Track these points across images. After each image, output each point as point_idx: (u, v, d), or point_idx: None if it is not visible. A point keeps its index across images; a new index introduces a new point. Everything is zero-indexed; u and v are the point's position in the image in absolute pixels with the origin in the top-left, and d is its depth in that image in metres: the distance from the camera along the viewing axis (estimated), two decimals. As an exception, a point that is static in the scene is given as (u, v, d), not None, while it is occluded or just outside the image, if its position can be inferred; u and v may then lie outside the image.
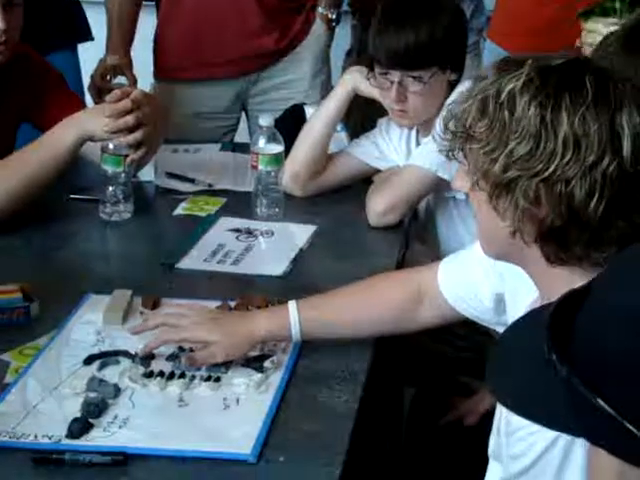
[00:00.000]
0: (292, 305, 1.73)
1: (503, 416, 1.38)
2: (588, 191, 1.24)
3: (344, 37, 3.56)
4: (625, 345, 0.72)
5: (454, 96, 2.10)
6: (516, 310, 1.47)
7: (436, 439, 2.12)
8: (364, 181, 2.43)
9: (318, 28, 3.02)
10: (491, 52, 3.17)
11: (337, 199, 2.41)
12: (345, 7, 3.61)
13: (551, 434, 1.23)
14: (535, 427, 1.22)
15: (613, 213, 1.26)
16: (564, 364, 0.74)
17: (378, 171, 2.41)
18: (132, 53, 3.01)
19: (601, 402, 0.71)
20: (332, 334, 1.77)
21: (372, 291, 1.77)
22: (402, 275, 1.80)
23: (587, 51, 2.18)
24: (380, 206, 2.26)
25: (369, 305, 1.75)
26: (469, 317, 1.70)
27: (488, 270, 1.60)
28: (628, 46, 1.86)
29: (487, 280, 1.62)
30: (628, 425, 0.70)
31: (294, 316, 1.71)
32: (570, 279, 1.26)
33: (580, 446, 1.21)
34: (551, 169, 1.24)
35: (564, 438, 1.22)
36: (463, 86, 2.08)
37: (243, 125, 3.12)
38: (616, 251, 1.28)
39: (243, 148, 2.65)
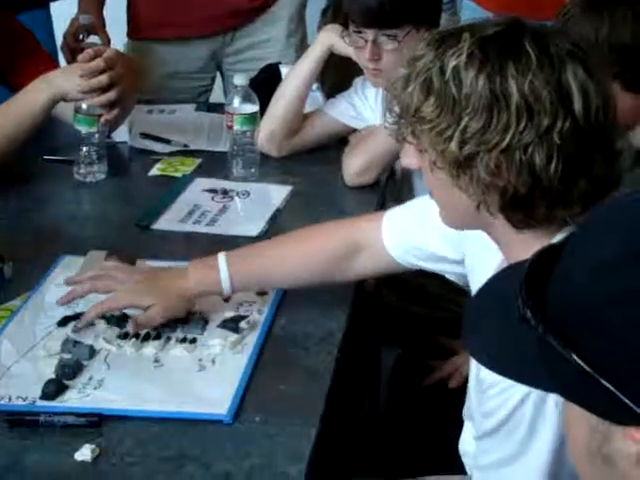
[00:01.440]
0: (222, 259, 1.70)
1: (473, 375, 1.38)
2: (547, 154, 1.24)
3: (320, -4, 3.52)
4: (599, 299, 0.72)
5: None
6: (479, 274, 1.46)
7: (418, 401, 2.12)
8: (340, 141, 2.42)
9: None
10: (472, 11, 3.14)
11: (313, 159, 2.39)
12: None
13: (523, 390, 1.24)
14: (507, 384, 1.24)
15: (573, 172, 1.26)
16: (539, 320, 0.73)
17: (354, 130, 2.40)
18: (105, 12, 2.97)
19: (576, 358, 0.71)
20: (263, 285, 1.76)
21: (305, 241, 1.74)
22: (337, 225, 1.76)
23: None
24: (356, 166, 2.26)
25: (301, 255, 1.72)
26: (411, 268, 1.69)
27: (436, 232, 1.59)
28: (589, 4, 1.87)
29: (435, 240, 1.61)
30: (602, 381, 0.70)
31: (224, 270, 1.68)
32: (536, 242, 1.26)
33: (552, 400, 1.23)
34: (508, 139, 1.24)
35: (536, 393, 1.23)
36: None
37: (218, 85, 3.10)
38: (580, 209, 1.28)
39: (218, 108, 2.63)
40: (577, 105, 1.25)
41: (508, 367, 0.79)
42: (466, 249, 1.55)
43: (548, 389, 0.78)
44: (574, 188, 1.27)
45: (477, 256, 1.50)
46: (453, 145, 1.26)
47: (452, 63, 1.26)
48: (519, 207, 1.29)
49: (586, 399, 0.73)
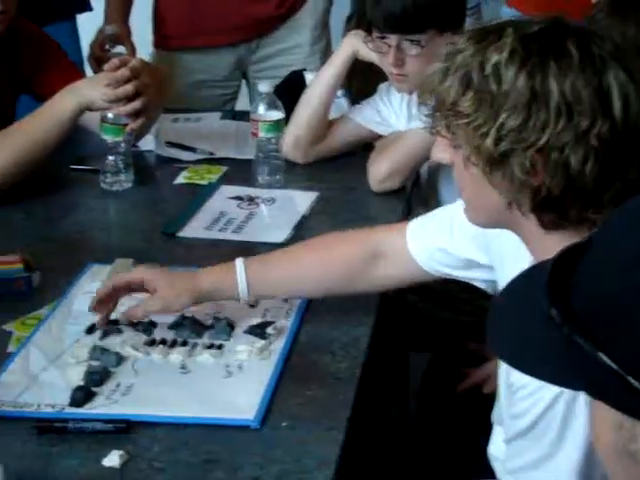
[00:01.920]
0: (239, 262, 1.69)
1: (503, 378, 1.38)
2: (583, 156, 1.23)
3: (344, 3, 3.53)
4: (626, 298, 0.71)
5: None
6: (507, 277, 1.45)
7: (450, 407, 2.11)
8: (365, 147, 2.42)
9: None
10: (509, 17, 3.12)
11: (338, 165, 2.40)
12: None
13: (554, 391, 1.23)
14: (537, 385, 1.23)
15: (608, 175, 1.25)
16: (564, 319, 0.73)
17: (379, 136, 2.39)
18: (131, 23, 2.99)
19: (603, 356, 0.70)
20: (280, 292, 1.75)
21: (323, 250, 1.73)
22: (356, 234, 1.75)
23: None
24: (382, 171, 2.25)
25: (319, 265, 1.72)
26: (439, 277, 1.68)
27: (464, 238, 1.58)
28: (614, 8, 1.86)
29: (465, 245, 1.60)
30: (630, 379, 0.69)
31: (241, 274, 1.68)
32: (565, 243, 1.25)
33: (583, 401, 1.22)
34: (545, 138, 1.23)
35: (567, 393, 1.22)
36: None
37: (244, 93, 3.10)
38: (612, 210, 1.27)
39: (244, 116, 2.64)
40: (617, 108, 1.24)
41: (533, 365, 0.78)
42: (493, 254, 1.55)
43: (574, 387, 0.77)
44: (607, 191, 1.26)
45: (506, 260, 1.49)
46: (489, 141, 1.25)
47: (493, 59, 1.25)
48: (551, 207, 1.28)
49: (612, 397, 0.72)
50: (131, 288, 1.71)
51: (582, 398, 1.21)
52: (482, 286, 1.66)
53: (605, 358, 0.70)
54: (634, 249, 0.73)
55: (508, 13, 3.20)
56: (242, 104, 3.10)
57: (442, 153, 1.37)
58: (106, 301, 1.71)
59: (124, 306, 1.75)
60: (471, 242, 1.57)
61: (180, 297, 1.67)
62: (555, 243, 1.28)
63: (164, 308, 1.68)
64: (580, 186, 1.25)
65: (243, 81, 3.07)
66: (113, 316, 1.73)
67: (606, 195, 1.26)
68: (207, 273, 1.71)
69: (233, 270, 1.69)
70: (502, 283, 1.52)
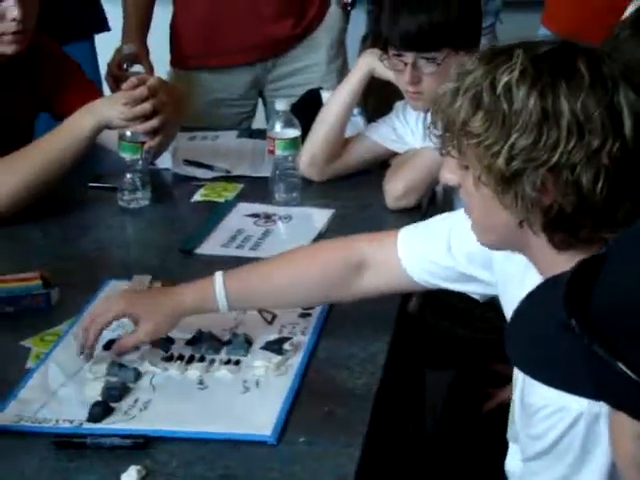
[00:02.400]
0: (218, 276, 1.69)
1: (518, 399, 1.37)
2: (594, 175, 1.24)
3: (360, 22, 3.55)
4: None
5: None
6: (511, 294, 1.46)
7: (473, 426, 2.10)
8: (381, 164, 2.42)
9: (334, 13, 3.02)
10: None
11: (354, 183, 2.40)
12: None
13: (575, 412, 1.23)
14: (557, 406, 1.23)
15: (620, 194, 1.26)
16: (584, 330, 0.73)
17: (395, 154, 2.40)
18: (148, 42, 3.02)
19: (623, 366, 0.70)
20: (262, 303, 1.76)
21: (306, 259, 1.73)
22: (338, 243, 1.75)
23: None
24: (398, 189, 2.26)
25: (298, 276, 1.71)
26: (430, 288, 1.68)
27: (461, 253, 1.58)
28: (637, 27, 1.85)
29: (462, 260, 1.59)
30: None
31: (219, 287, 1.68)
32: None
33: (604, 422, 1.21)
34: (556, 157, 1.24)
35: (586, 415, 1.22)
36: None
37: (260, 111, 3.12)
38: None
39: (260, 134, 2.65)
40: (628, 127, 1.24)
41: (552, 376, 0.78)
42: (497, 273, 1.54)
43: (593, 397, 0.77)
44: (619, 210, 1.27)
45: (509, 277, 1.49)
46: (500, 161, 1.26)
47: (504, 79, 1.26)
48: (562, 227, 1.28)
49: (632, 407, 0.72)
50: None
51: (603, 419, 1.21)
52: (477, 298, 1.66)
53: (624, 368, 0.70)
54: None
55: (544, 35, 3.22)
56: (259, 122, 3.12)
57: (450, 174, 1.38)
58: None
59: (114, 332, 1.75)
60: (471, 258, 1.57)
61: (166, 322, 1.68)
62: (566, 262, 1.28)
63: (153, 334, 1.69)
64: (591, 205, 1.26)
65: (260, 99, 3.09)
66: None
67: (618, 214, 1.27)
68: (187, 289, 1.71)
69: (212, 284, 1.69)
70: (507, 302, 1.52)
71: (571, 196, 1.25)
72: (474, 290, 1.64)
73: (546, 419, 1.27)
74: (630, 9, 2.30)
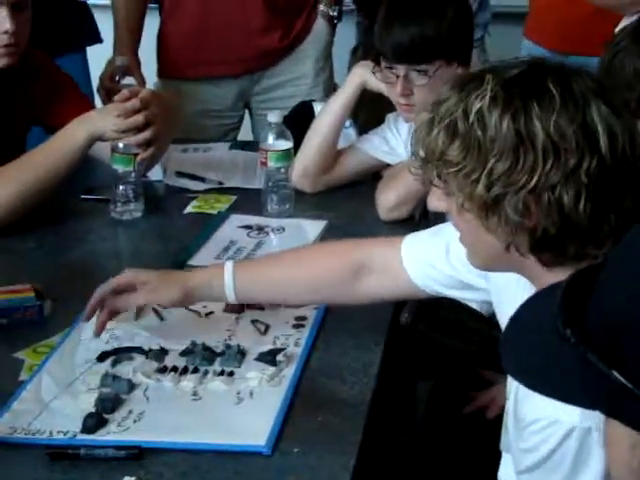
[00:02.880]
0: (229, 265, 1.74)
1: (511, 411, 1.38)
2: (575, 193, 1.24)
3: (346, 35, 3.56)
4: (636, 315, 0.72)
5: None
6: (507, 305, 1.46)
7: (454, 432, 2.11)
8: (373, 176, 2.43)
9: (320, 26, 3.03)
10: (529, 51, 3.15)
11: (347, 194, 2.41)
12: (349, 4, 3.62)
13: (566, 426, 1.23)
14: (549, 420, 1.23)
15: (603, 209, 1.26)
16: (579, 339, 0.74)
17: (387, 166, 2.41)
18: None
19: (618, 375, 0.71)
20: (267, 298, 1.80)
21: (310, 259, 1.77)
22: (344, 246, 1.79)
23: None
24: (390, 201, 2.27)
25: (305, 273, 1.75)
26: (432, 295, 1.69)
27: (463, 262, 1.59)
28: (637, 36, 1.86)
29: (461, 268, 1.60)
30: None
31: (229, 275, 1.72)
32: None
33: (596, 436, 1.21)
34: (535, 180, 1.24)
35: (580, 428, 1.22)
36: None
37: (247, 123, 3.13)
38: (613, 244, 1.28)
39: (252, 146, 2.66)
40: (603, 143, 1.25)
41: (547, 385, 0.79)
42: (492, 283, 1.55)
43: (588, 406, 0.78)
44: (604, 225, 1.27)
45: (503, 288, 1.50)
46: (480, 188, 1.26)
47: (476, 106, 1.26)
48: (549, 247, 1.29)
49: (627, 416, 0.73)
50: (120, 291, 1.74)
51: (595, 433, 1.21)
52: (475, 307, 1.67)
53: (619, 377, 0.70)
54: None
55: (527, 46, 3.23)
56: (244, 134, 3.12)
57: (437, 202, 1.39)
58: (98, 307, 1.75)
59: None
60: (469, 266, 1.58)
61: (171, 289, 1.71)
62: (559, 278, 1.29)
63: (153, 297, 1.72)
64: (575, 224, 1.26)
65: (246, 111, 3.09)
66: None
67: (604, 229, 1.27)
68: (197, 271, 1.78)
69: (222, 272, 1.72)
70: (501, 313, 1.53)
71: (554, 217, 1.26)
72: (473, 297, 1.65)
73: (538, 433, 1.27)
74: (623, 23, 2.32)
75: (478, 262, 1.42)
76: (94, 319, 1.76)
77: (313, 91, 2.97)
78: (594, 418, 1.20)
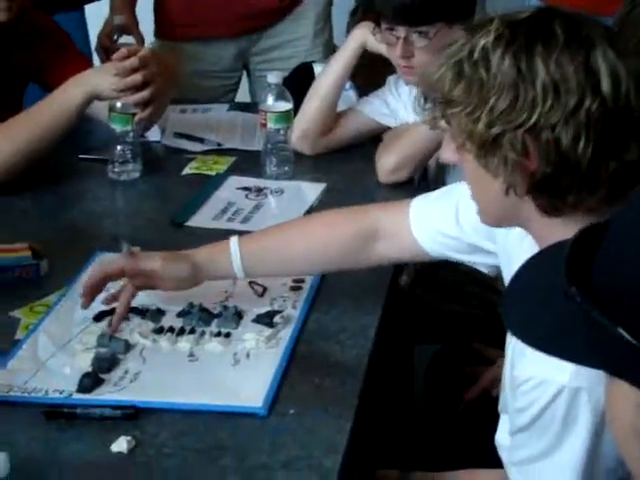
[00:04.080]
0: (233, 243, 1.70)
1: (507, 371, 1.38)
2: (574, 134, 1.24)
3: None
4: None
5: None
6: (515, 265, 1.46)
7: (454, 395, 2.10)
8: (373, 139, 2.41)
9: None
10: None
11: (346, 157, 2.40)
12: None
13: (556, 385, 1.24)
14: (540, 379, 1.23)
15: (602, 154, 1.25)
16: (585, 297, 0.73)
17: (387, 128, 2.39)
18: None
19: (623, 332, 0.70)
20: (276, 269, 1.75)
21: (319, 231, 1.74)
22: (353, 213, 1.76)
23: None
24: (390, 163, 2.25)
25: (315, 240, 1.72)
26: (439, 258, 1.68)
27: (469, 223, 1.58)
28: None
29: (470, 231, 1.59)
30: None
31: (235, 254, 1.68)
32: (567, 228, 1.25)
33: (585, 395, 1.23)
34: (534, 118, 1.24)
35: (569, 388, 1.23)
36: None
37: (244, 84, 3.10)
38: (607, 193, 1.27)
39: (252, 108, 2.64)
40: (605, 85, 1.24)
41: (551, 343, 0.78)
42: (499, 244, 1.55)
43: (593, 365, 0.77)
44: (602, 170, 1.26)
45: (510, 249, 1.50)
46: (481, 126, 1.26)
47: (480, 44, 1.26)
48: (547, 190, 1.28)
49: (634, 375, 0.72)
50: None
51: (584, 393, 1.22)
52: (485, 270, 1.67)
53: (624, 333, 0.70)
54: None
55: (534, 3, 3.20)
56: (242, 95, 3.10)
57: (449, 153, 1.38)
58: (97, 287, 1.71)
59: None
60: (477, 229, 1.57)
61: (174, 261, 1.68)
62: (558, 229, 1.29)
63: (159, 268, 1.67)
64: (574, 165, 1.25)
65: (244, 72, 3.07)
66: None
67: (601, 175, 1.26)
68: (203, 251, 1.71)
69: (227, 248, 1.69)
70: (507, 274, 1.52)
71: (552, 157, 1.25)
72: (482, 261, 1.64)
73: (529, 392, 1.28)
74: None
75: (487, 216, 1.41)
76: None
77: (312, 52, 2.95)
78: (584, 378, 1.21)
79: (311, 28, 2.98)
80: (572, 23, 1.27)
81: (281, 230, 1.77)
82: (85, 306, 1.71)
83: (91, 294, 1.70)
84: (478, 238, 1.59)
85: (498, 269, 1.59)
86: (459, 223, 1.60)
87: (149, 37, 2.97)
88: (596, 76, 1.24)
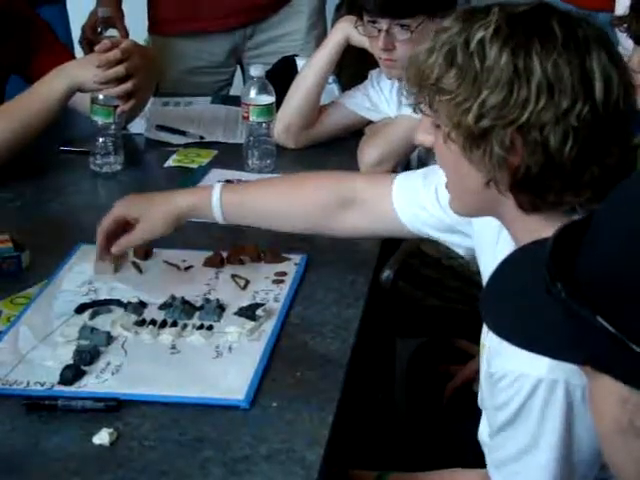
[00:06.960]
0: (217, 186, 1.76)
1: (484, 368, 1.38)
2: (562, 136, 1.24)
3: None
4: (629, 267, 0.71)
5: None
6: (485, 254, 1.48)
7: (434, 390, 2.11)
8: (355, 133, 2.42)
9: None
10: None
11: (329, 151, 2.40)
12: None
13: (532, 379, 1.24)
14: (516, 374, 1.24)
15: (587, 158, 1.26)
16: (568, 292, 0.73)
17: (370, 122, 2.40)
18: (126, 8, 2.98)
19: (607, 325, 0.70)
20: (253, 221, 1.81)
21: (299, 185, 1.79)
22: (336, 178, 1.79)
23: None
24: (372, 157, 2.26)
25: (293, 198, 1.77)
26: (418, 235, 1.70)
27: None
28: None
29: (448, 212, 1.59)
30: (632, 345, 0.69)
31: (216, 197, 1.74)
32: (545, 226, 1.26)
33: (561, 390, 1.23)
34: (525, 116, 1.24)
35: (545, 382, 1.23)
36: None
37: (238, 78, 3.10)
38: (590, 196, 1.27)
39: (234, 100, 2.63)
40: (598, 90, 1.24)
41: (533, 340, 0.78)
42: (472, 226, 1.55)
43: (576, 361, 0.77)
44: (585, 173, 1.26)
45: (483, 233, 1.50)
46: (470, 117, 1.26)
47: (478, 36, 1.26)
48: (529, 188, 1.28)
49: (617, 368, 0.72)
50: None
51: (560, 388, 1.23)
52: (461, 252, 1.67)
53: (609, 326, 0.69)
54: (636, 223, 0.73)
55: None
56: (237, 90, 3.09)
57: (424, 135, 1.38)
58: (106, 246, 1.80)
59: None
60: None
61: (161, 220, 1.75)
62: (535, 225, 1.29)
63: (150, 233, 1.77)
64: (558, 166, 1.26)
65: (238, 67, 3.06)
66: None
67: (584, 178, 1.27)
68: (185, 192, 1.83)
69: (209, 194, 1.75)
70: (482, 263, 1.53)
71: (539, 156, 1.25)
72: (460, 243, 1.65)
73: (507, 388, 1.28)
74: None
75: (461, 206, 1.41)
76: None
77: (306, 47, 2.93)
78: (560, 370, 1.22)
79: (305, 22, 2.98)
80: (569, 22, 1.27)
81: (266, 185, 1.85)
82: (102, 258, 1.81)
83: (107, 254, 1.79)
84: (459, 220, 1.58)
85: (474, 252, 1.59)
86: (440, 202, 1.60)
87: (143, 33, 2.95)
88: (590, 81, 1.24)
